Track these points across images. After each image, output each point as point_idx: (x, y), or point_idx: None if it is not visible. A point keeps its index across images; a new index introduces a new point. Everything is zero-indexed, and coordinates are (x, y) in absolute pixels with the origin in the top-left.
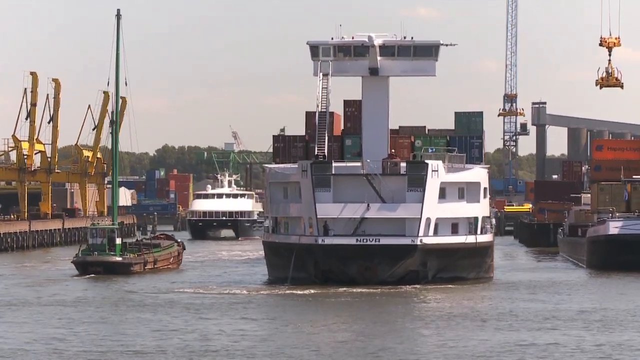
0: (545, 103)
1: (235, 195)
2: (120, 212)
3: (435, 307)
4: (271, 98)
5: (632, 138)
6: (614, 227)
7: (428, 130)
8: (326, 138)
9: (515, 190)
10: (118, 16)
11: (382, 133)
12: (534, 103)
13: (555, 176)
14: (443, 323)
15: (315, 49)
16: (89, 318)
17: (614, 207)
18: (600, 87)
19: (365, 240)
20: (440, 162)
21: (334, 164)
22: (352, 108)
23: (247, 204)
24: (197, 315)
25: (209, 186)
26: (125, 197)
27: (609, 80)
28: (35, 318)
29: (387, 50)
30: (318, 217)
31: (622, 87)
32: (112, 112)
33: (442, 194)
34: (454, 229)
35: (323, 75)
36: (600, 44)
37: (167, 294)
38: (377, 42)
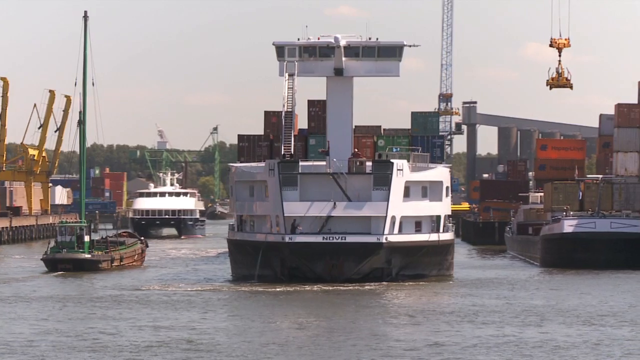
0: (476, 102)
1: (177, 194)
2: (59, 210)
3: (412, 304)
4: (197, 97)
5: (562, 137)
6: (568, 226)
7: (384, 129)
8: (292, 137)
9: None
10: (85, 18)
11: (346, 132)
12: (464, 102)
13: (485, 175)
14: (425, 319)
15: (280, 50)
16: (67, 315)
17: (568, 205)
18: (550, 88)
19: (331, 238)
20: (405, 162)
21: (300, 163)
22: (316, 108)
23: (189, 203)
24: (172, 311)
25: (152, 185)
26: (62, 195)
27: (559, 81)
28: (20, 314)
29: (352, 51)
30: (285, 215)
31: (571, 87)
32: (80, 112)
33: (407, 193)
34: (418, 227)
35: (289, 75)
36: (551, 45)
37: (143, 291)
38: (342, 43)
